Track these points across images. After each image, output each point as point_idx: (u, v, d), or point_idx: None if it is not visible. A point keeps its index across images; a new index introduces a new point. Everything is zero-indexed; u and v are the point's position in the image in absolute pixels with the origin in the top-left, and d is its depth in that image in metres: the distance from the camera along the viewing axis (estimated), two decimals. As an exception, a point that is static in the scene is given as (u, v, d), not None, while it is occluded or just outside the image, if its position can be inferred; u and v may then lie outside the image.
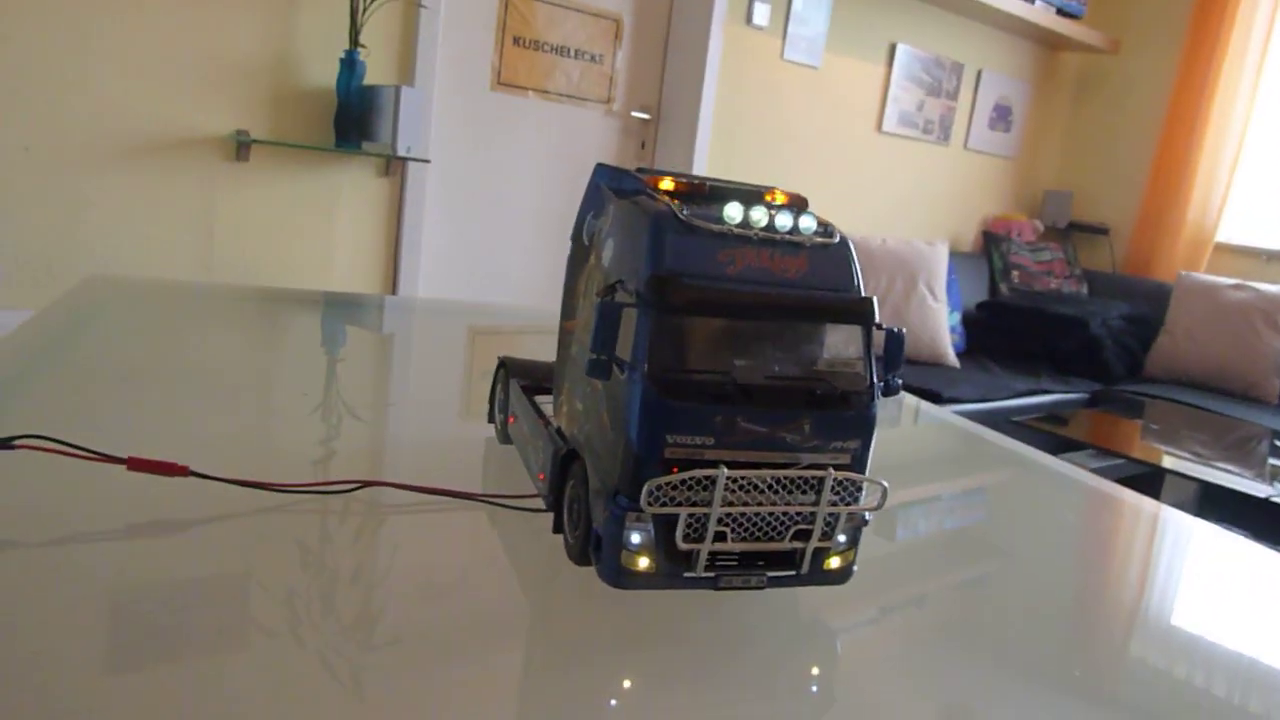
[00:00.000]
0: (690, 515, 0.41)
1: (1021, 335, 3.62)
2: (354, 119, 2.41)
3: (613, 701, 0.42)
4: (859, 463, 0.44)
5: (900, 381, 0.46)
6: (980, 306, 3.79)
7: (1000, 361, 3.52)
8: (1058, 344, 3.54)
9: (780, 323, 0.42)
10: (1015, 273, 3.98)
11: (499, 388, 0.66)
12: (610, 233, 0.46)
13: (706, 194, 0.45)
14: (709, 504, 0.41)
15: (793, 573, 0.44)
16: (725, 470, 0.40)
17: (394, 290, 2.69)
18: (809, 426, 0.42)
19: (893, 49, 3.67)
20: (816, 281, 0.43)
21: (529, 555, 0.52)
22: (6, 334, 0.82)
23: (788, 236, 0.43)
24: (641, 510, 0.40)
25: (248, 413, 0.72)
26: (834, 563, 0.45)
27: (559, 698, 0.41)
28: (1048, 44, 4.22)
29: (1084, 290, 4.04)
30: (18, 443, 0.49)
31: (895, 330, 0.45)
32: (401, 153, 2.41)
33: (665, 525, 0.41)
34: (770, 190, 0.47)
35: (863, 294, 0.44)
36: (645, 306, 0.40)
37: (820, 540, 0.44)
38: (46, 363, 0.76)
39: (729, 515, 0.42)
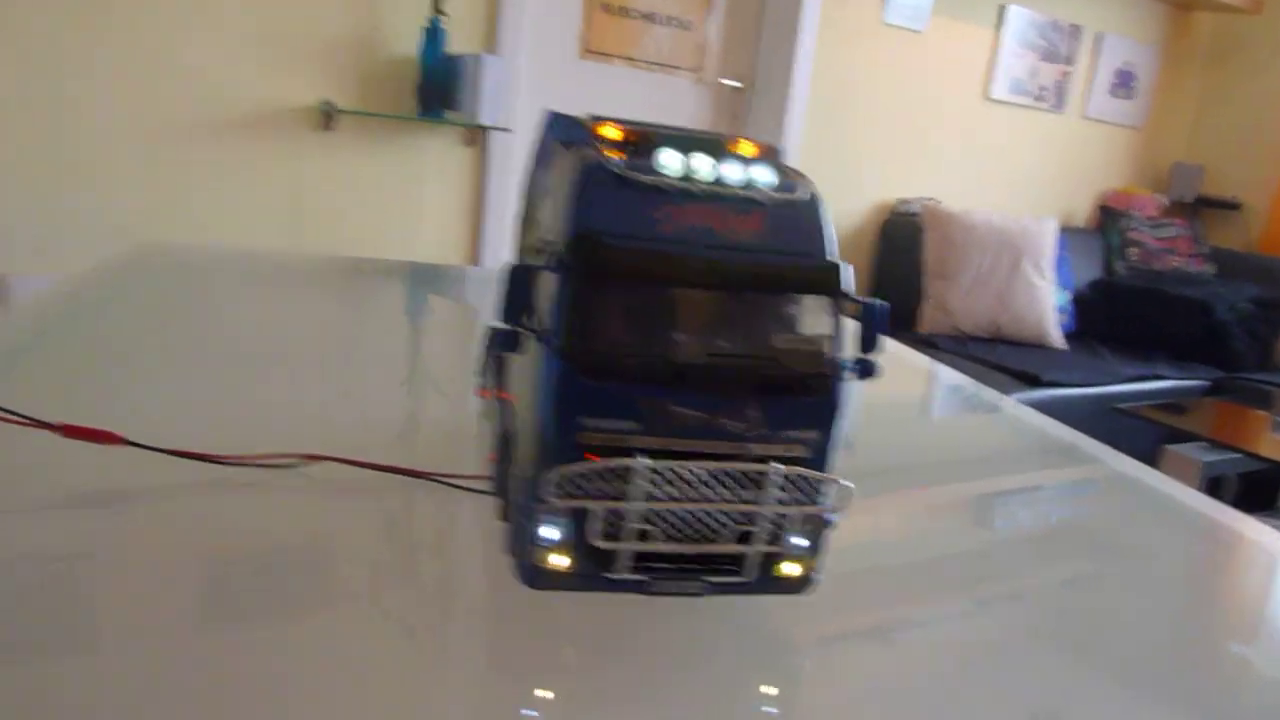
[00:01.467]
0: (608, 510, 0.36)
1: (1137, 318, 3.39)
2: (437, 88, 2.41)
3: (533, 713, 0.37)
4: (819, 456, 0.38)
5: (879, 364, 0.39)
6: (1092, 286, 3.57)
7: (1111, 345, 3.31)
8: (1177, 328, 3.30)
9: (722, 293, 0.36)
10: (1133, 250, 3.73)
11: (487, 360, 0.62)
12: (549, 188, 0.41)
13: (656, 143, 0.39)
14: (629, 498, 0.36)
15: (739, 580, 0.38)
16: (645, 460, 0.35)
17: (477, 261, 2.69)
18: (755, 413, 0.36)
19: (1003, 11, 3.46)
20: (774, 244, 0.37)
21: (479, 543, 0.48)
22: (35, 297, 0.82)
23: (740, 191, 0.37)
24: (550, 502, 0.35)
25: (243, 384, 0.70)
26: (790, 569, 0.39)
27: (465, 709, 0.36)
28: (1178, 3, 3.91)
29: (1210, 270, 3.75)
30: (-49, 405, 0.47)
31: (874, 304, 0.39)
32: (484, 122, 2.40)
33: (585, 521, 0.36)
34: (734, 140, 0.41)
35: (833, 260, 0.38)
36: (562, 271, 0.35)
37: (768, 544, 0.38)
38: (61, 326, 0.76)
39: (654, 512, 0.36)
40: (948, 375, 1.08)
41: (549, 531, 0.36)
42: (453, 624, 0.41)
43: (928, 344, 2.98)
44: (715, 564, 0.38)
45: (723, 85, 3.13)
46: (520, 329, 0.36)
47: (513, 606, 0.42)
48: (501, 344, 0.36)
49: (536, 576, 0.37)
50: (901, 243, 3.28)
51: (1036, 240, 3.18)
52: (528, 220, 0.46)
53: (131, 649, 0.36)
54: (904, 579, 0.51)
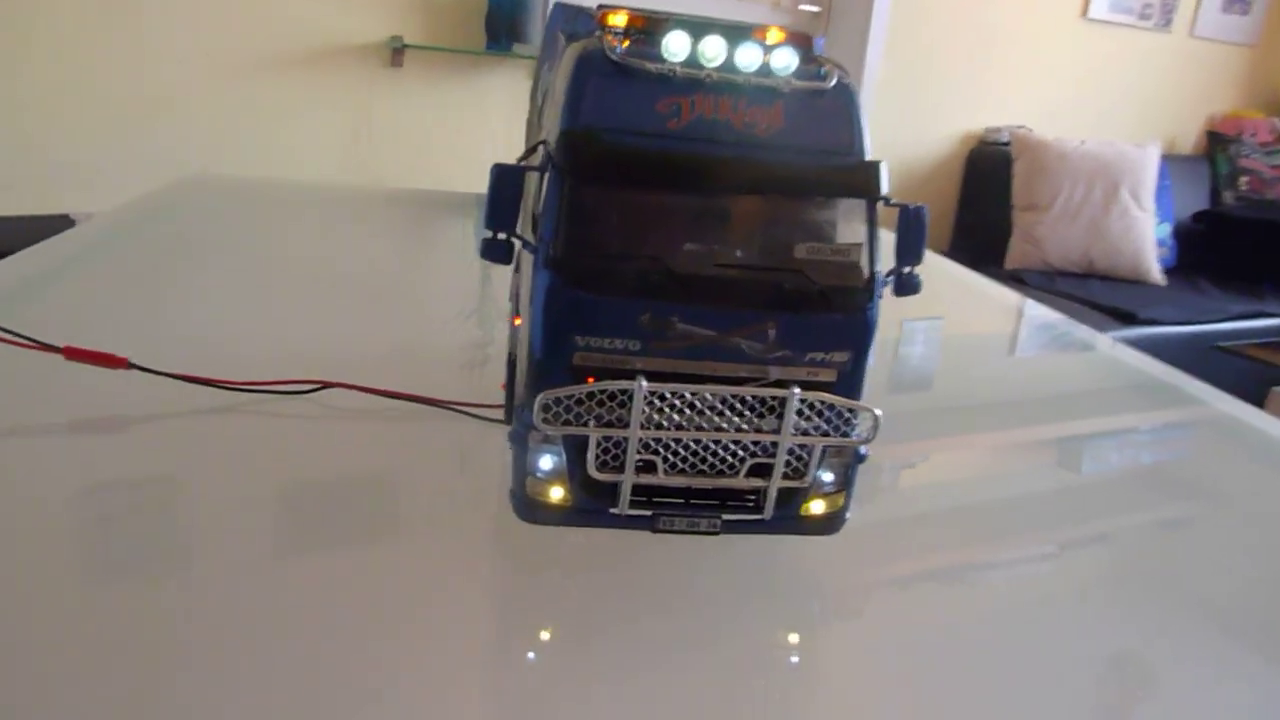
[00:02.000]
0: (606, 439, 0.33)
1: (1246, 250, 3.17)
2: (504, 21, 2.36)
3: (530, 654, 0.35)
4: (849, 381, 0.34)
5: (920, 276, 0.35)
6: (1197, 217, 3.34)
7: (1216, 280, 3.11)
8: (1291, 262, 3.08)
9: (733, 197, 0.32)
10: (1244, 179, 3.48)
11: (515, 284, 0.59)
12: (552, 85, 0.37)
13: (668, 29, 0.34)
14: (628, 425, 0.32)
15: (756, 517, 0.35)
16: (644, 383, 0.31)
17: (546, 197, 2.66)
18: (775, 332, 0.32)
19: (1107, -80, 3.22)
20: (797, 140, 0.33)
21: (491, 473, 0.45)
22: (84, 224, 0.82)
23: (756, 79, 0.32)
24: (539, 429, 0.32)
25: (268, 313, 0.69)
26: (816, 507, 0.35)
27: (467, 649, 0.34)
28: (1306, -93, 3.58)
29: (1330, 200, 3.49)
30: (-42, 329, 0.46)
31: (913, 208, 0.34)
32: (551, 54, 2.34)
33: (581, 450, 0.33)
34: (761, 27, 0.36)
35: (867, 157, 0.33)
36: (552, 171, 0.31)
37: (789, 479, 0.34)
38: (92, 256, 0.75)
39: (658, 441, 0.33)
40: (1037, 312, 1.02)
41: (543, 461, 0.33)
42: (453, 557, 0.39)
43: (1015, 280, 2.85)
44: (732, 500, 0.35)
45: (800, 10, 3.00)
46: (510, 238, 0.32)
47: (519, 541, 0.39)
48: (487, 254, 0.32)
49: (531, 510, 0.34)
50: (989, 174, 3.12)
51: (1136, 168, 2.99)
52: (536, 122, 0.42)
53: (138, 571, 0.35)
54: (985, 520, 0.48)
